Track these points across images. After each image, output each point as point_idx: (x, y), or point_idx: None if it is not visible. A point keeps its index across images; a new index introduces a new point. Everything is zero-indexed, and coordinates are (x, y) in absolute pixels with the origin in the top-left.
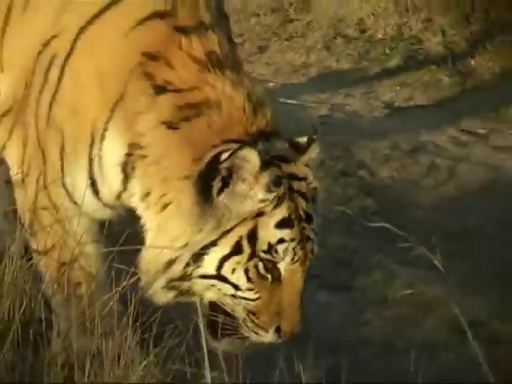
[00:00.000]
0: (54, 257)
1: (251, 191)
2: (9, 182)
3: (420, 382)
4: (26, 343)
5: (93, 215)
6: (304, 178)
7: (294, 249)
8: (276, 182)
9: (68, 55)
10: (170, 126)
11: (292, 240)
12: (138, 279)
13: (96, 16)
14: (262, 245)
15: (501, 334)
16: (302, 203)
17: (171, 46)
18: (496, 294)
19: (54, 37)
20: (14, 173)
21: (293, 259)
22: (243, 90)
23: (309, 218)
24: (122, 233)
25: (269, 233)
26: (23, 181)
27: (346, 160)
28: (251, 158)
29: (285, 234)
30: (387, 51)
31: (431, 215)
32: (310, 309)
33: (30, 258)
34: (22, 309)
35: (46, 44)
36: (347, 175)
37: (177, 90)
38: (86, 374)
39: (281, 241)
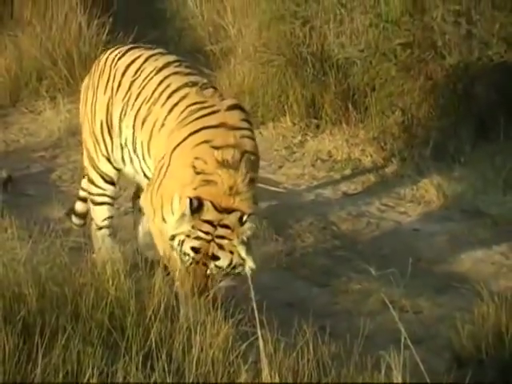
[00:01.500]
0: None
1: (186, 223)
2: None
3: None
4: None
5: None
6: (229, 239)
7: (191, 262)
8: (203, 232)
9: (169, 161)
10: (195, 188)
11: (193, 258)
12: None
13: (179, 143)
14: (183, 250)
15: None
16: (215, 249)
17: (208, 154)
18: None
19: (166, 154)
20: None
21: (191, 264)
22: (231, 183)
23: (214, 257)
24: None
25: (186, 248)
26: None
27: (324, 221)
28: (187, 207)
29: (191, 253)
30: (343, 166)
31: (368, 245)
32: (308, 294)
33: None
34: (164, 299)
35: (163, 157)
36: (325, 229)
37: (205, 173)
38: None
39: (188, 254)
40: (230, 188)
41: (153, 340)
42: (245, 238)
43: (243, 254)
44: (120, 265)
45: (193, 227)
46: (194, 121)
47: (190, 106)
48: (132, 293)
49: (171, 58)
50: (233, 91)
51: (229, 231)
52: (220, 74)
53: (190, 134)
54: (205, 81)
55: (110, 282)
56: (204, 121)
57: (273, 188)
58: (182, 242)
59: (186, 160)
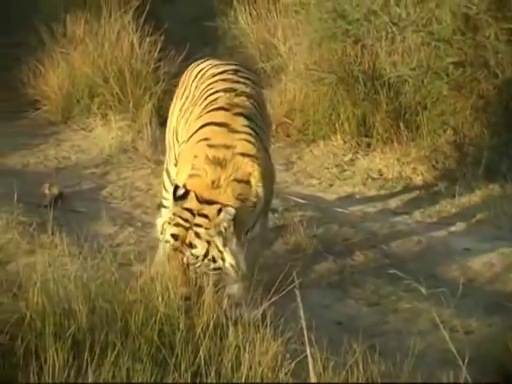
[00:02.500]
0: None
1: (171, 210)
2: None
3: None
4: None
5: None
6: (206, 228)
7: (172, 248)
8: (182, 219)
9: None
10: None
11: (172, 245)
12: None
13: (192, 134)
14: (165, 237)
15: None
16: (192, 237)
17: (203, 151)
18: None
19: (185, 141)
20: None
21: (171, 251)
22: (215, 177)
23: (191, 245)
24: None
25: (167, 234)
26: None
27: (374, 240)
28: (170, 195)
29: (171, 240)
30: (394, 184)
31: (418, 264)
32: (358, 313)
33: None
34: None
35: (183, 142)
36: (375, 247)
37: (195, 168)
38: None
39: (168, 241)
40: (213, 182)
41: (202, 357)
42: (222, 229)
43: (220, 245)
44: (170, 281)
45: (174, 214)
46: (204, 115)
47: (215, 109)
48: (181, 310)
49: (231, 67)
50: (284, 109)
51: (206, 220)
52: (271, 91)
53: (199, 128)
54: (247, 90)
55: (160, 299)
56: (211, 116)
57: (322, 205)
58: (165, 230)
59: (188, 156)
